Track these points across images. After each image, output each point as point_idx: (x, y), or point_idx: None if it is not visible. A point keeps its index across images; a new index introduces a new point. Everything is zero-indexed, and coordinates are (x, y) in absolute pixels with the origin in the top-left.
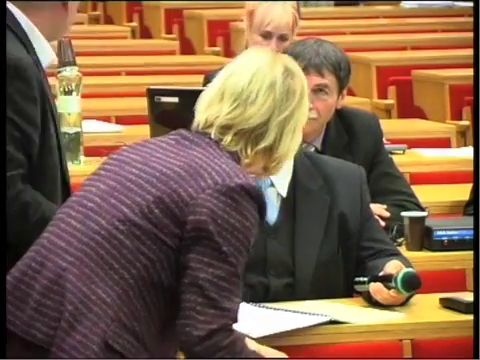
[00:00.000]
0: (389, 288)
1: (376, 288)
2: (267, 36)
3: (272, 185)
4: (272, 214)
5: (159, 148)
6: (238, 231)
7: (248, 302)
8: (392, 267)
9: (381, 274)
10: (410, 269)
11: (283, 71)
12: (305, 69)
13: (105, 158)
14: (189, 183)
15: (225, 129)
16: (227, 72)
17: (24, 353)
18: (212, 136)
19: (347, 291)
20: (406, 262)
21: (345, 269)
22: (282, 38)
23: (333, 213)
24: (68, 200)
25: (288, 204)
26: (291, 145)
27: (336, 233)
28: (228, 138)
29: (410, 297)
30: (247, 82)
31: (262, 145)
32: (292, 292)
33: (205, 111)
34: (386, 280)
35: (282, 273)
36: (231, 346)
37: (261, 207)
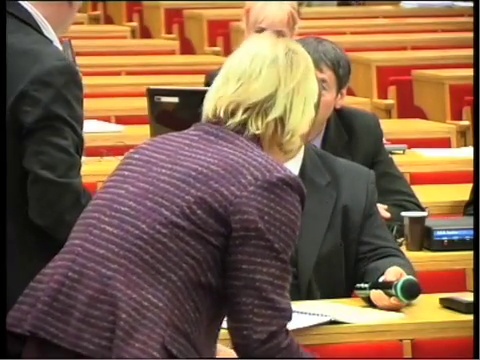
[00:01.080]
0: (389, 295)
1: (377, 296)
2: (262, 33)
3: None
4: None
5: (184, 145)
6: (286, 226)
7: None
8: (392, 274)
9: (381, 281)
10: (410, 277)
11: (285, 49)
12: None
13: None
14: (230, 181)
15: (235, 110)
16: (231, 58)
17: None
18: (233, 127)
19: (347, 285)
20: (407, 263)
21: (346, 262)
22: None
23: (337, 206)
24: (93, 204)
25: None
26: (303, 119)
27: (339, 226)
28: (239, 118)
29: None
30: (249, 62)
31: (272, 116)
32: (295, 282)
33: (213, 98)
34: (386, 287)
35: None
36: (290, 346)
37: (303, 197)
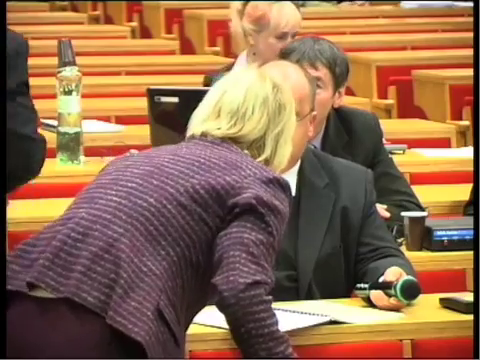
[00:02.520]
0: (389, 295)
1: (377, 296)
2: (283, 37)
3: None
4: None
5: (182, 147)
6: (278, 212)
7: None
8: (392, 274)
9: (381, 281)
10: (409, 277)
11: (272, 87)
12: (298, 62)
13: (106, 158)
14: (231, 172)
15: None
16: (220, 90)
17: (71, 314)
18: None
19: (347, 286)
20: (407, 263)
21: (346, 264)
22: (294, 36)
23: (336, 208)
24: (95, 183)
25: (294, 200)
26: (284, 155)
27: (339, 228)
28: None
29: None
30: (242, 99)
31: (262, 157)
32: (295, 285)
33: (201, 125)
34: (386, 288)
35: (284, 267)
36: (270, 302)
37: (290, 200)
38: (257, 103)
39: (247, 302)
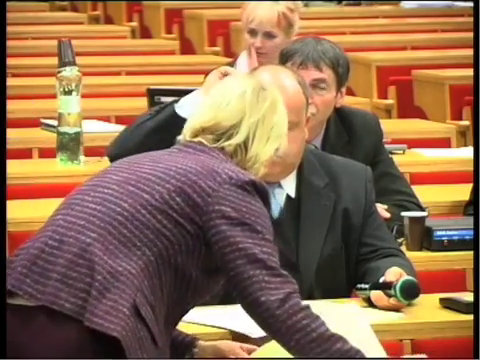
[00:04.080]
0: (389, 296)
1: (377, 296)
2: (252, 33)
3: (280, 186)
4: (276, 210)
5: (164, 154)
6: (261, 214)
7: None
8: (392, 274)
9: (381, 281)
10: (409, 277)
11: (254, 84)
12: (303, 63)
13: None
14: (207, 177)
15: (207, 133)
16: (209, 93)
17: (49, 322)
18: (209, 145)
19: (348, 286)
20: (407, 263)
21: (347, 264)
22: (268, 35)
23: (337, 209)
24: (76, 190)
25: (293, 203)
26: (266, 147)
27: (340, 229)
28: (212, 140)
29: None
30: (221, 94)
31: (235, 141)
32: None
33: (191, 123)
34: (386, 288)
35: (285, 268)
36: (308, 308)
37: (265, 201)
38: (234, 96)
39: (285, 316)
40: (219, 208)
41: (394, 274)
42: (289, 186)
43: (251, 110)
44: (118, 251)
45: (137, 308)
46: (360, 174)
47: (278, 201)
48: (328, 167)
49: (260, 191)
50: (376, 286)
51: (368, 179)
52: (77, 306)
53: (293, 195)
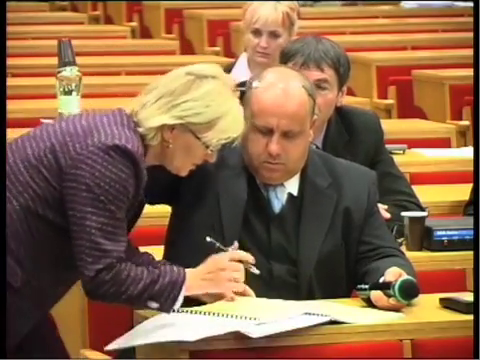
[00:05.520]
0: (389, 296)
1: (377, 296)
2: (257, 33)
3: (282, 185)
4: (277, 206)
5: (82, 115)
6: (115, 182)
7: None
8: (391, 274)
9: (381, 281)
10: (408, 277)
11: (200, 71)
12: (304, 64)
13: None
14: (79, 139)
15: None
16: None
17: None
18: (128, 111)
19: (348, 285)
20: (407, 263)
21: (347, 262)
22: (273, 35)
23: (338, 208)
24: None
25: (295, 201)
26: (158, 118)
27: (340, 227)
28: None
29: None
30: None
31: (138, 102)
32: (295, 281)
33: None
34: (385, 288)
35: (285, 261)
36: (115, 277)
37: (134, 163)
38: (167, 79)
39: (94, 290)
40: (75, 171)
41: (393, 274)
42: (292, 186)
43: (169, 82)
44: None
45: None
46: (364, 176)
47: (280, 199)
48: (332, 168)
49: (126, 155)
50: (376, 286)
51: (372, 182)
52: None
53: (295, 194)
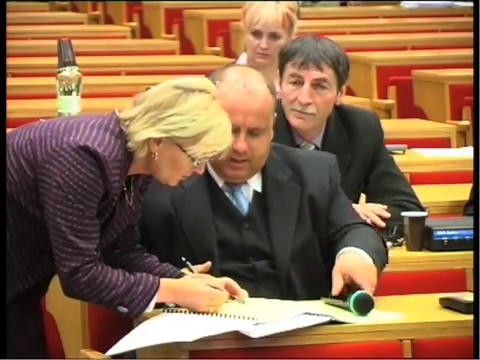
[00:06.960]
0: (345, 308)
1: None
2: (257, 34)
3: (246, 183)
4: (245, 205)
5: (88, 115)
6: (83, 182)
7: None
8: (336, 276)
9: (334, 294)
10: (363, 291)
11: (189, 85)
12: (304, 64)
13: None
14: (57, 136)
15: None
16: None
17: None
18: (119, 115)
19: (327, 271)
20: (365, 232)
21: (322, 250)
22: (273, 36)
23: (303, 198)
24: None
25: (260, 197)
26: (144, 132)
27: (308, 217)
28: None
29: None
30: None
31: (126, 114)
32: (274, 273)
33: None
34: (340, 299)
35: (262, 258)
36: (89, 281)
37: (100, 168)
38: (157, 90)
39: (70, 287)
40: (49, 167)
41: (338, 276)
42: (255, 183)
43: (157, 95)
44: None
45: None
46: (323, 162)
47: (246, 197)
48: (292, 160)
49: (94, 156)
50: (332, 301)
51: (332, 166)
52: None
53: (259, 190)
